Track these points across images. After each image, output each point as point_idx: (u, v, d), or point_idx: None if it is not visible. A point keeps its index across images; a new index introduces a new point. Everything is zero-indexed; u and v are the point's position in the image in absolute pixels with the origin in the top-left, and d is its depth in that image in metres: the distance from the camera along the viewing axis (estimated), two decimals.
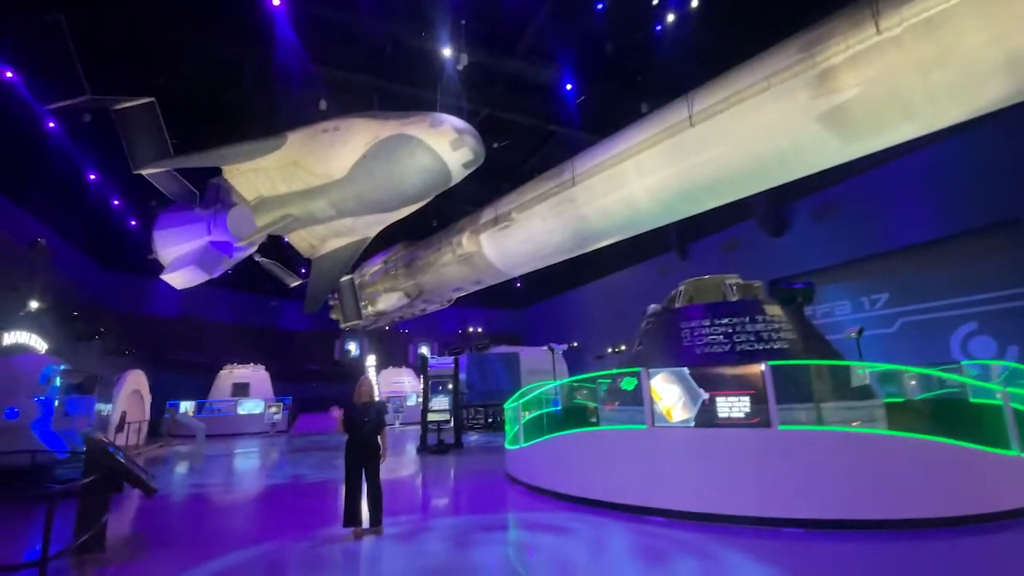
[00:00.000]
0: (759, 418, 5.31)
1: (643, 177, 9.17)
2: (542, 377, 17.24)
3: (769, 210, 17.90)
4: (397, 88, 13.78)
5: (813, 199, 17.00)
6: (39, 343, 9.90)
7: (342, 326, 17.87)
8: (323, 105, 13.13)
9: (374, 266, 18.96)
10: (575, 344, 19.26)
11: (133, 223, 20.37)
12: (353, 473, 5.65)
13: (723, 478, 5.40)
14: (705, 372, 5.99)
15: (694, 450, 5.61)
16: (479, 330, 32.65)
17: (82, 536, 4.60)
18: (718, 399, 5.64)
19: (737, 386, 5.84)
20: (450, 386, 15.38)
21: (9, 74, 11.09)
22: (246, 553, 5.07)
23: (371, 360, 25.97)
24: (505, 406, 10.07)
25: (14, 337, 9.29)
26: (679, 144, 8.24)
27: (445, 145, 8.62)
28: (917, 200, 14.43)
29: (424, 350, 29.21)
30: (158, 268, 11.76)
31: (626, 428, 6.37)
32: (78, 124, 13.76)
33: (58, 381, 9.03)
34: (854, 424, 5.62)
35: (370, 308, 18.82)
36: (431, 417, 14.67)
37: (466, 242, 13.75)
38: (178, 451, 15.82)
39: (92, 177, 16.12)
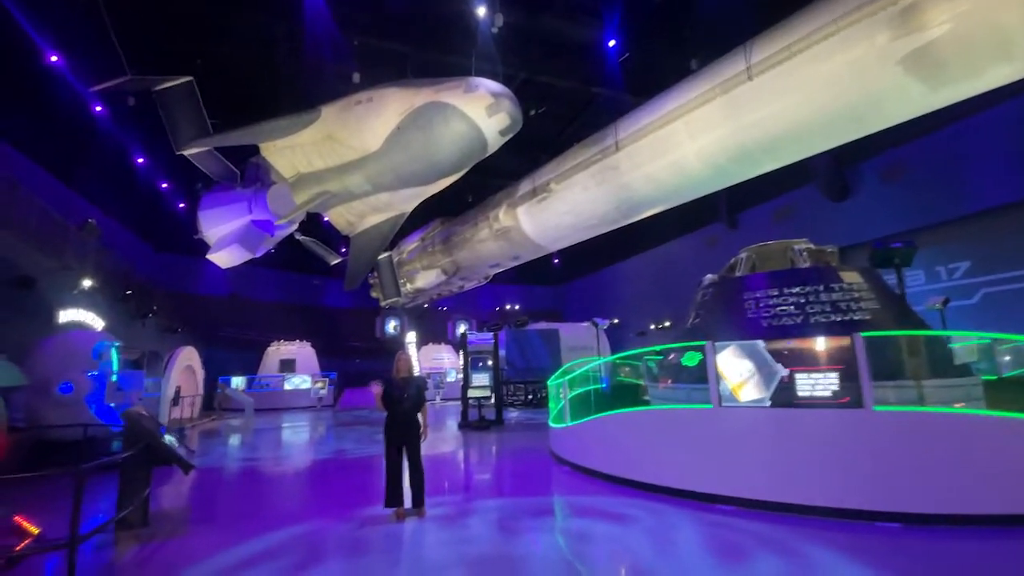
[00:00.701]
0: (849, 397, 4.71)
1: (694, 139, 8.48)
2: (583, 354, 16.76)
3: (831, 172, 16.51)
4: (430, 56, 13.30)
5: (881, 159, 15.53)
6: (95, 321, 10.27)
7: (382, 304, 17.99)
8: (356, 78, 12.84)
9: (412, 244, 18.92)
10: (616, 321, 18.63)
11: (182, 206, 21.00)
12: (393, 452, 5.45)
13: (805, 464, 4.85)
14: (775, 346, 5.38)
15: (770, 433, 5.06)
16: (516, 307, 32.37)
17: (123, 511, 4.58)
18: (798, 376, 5.04)
19: (813, 361, 5.23)
20: (490, 362, 15.21)
21: (54, 58, 11.30)
22: (286, 533, 4.96)
23: (411, 337, 26.23)
24: (548, 383, 9.73)
25: (71, 315, 9.65)
26: (735, 100, 7.49)
27: (481, 111, 8.17)
28: (1001, 157, 12.90)
29: (462, 327, 29.29)
30: (206, 248, 11.99)
31: (688, 408, 5.84)
32: (125, 109, 14.03)
33: (114, 356, 9.31)
34: (957, 405, 4.93)
35: (408, 286, 18.87)
36: (472, 393, 14.49)
37: (503, 216, 13.36)
38: (229, 424, 16.44)
39: (140, 160, 16.55)
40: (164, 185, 18.85)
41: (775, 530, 4.52)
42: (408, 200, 11.25)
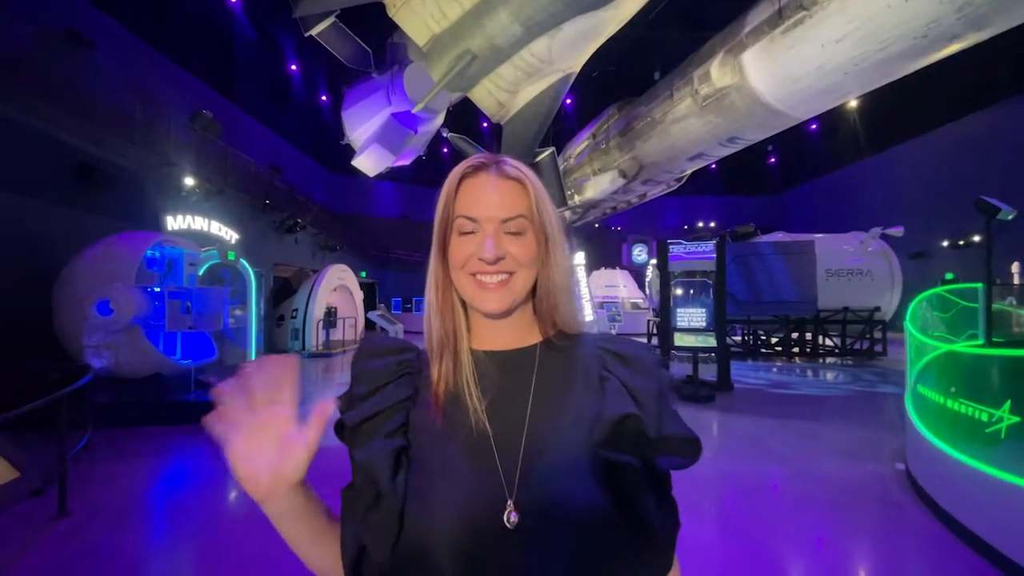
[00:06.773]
0: None
1: None
2: (854, 280, 11.26)
3: None
4: None
5: None
6: (223, 231, 9.07)
7: None
8: None
9: (580, 144, 15.68)
10: (895, 230, 12.36)
11: None
12: None
13: None
14: None
15: None
16: (712, 225, 25.95)
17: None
18: None
19: None
20: (683, 291, 9.86)
21: None
22: None
23: (579, 258, 23.12)
24: (908, 326, 5.09)
25: (183, 222, 8.23)
26: None
27: None
28: None
29: (639, 250, 25.29)
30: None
31: None
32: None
33: (249, 271, 8.05)
34: None
35: (576, 198, 15.88)
36: (682, 341, 8.81)
37: (717, 73, 9.09)
38: None
39: (294, 67, 15.88)
40: (324, 98, 18.33)
41: None
42: (573, 47, 7.91)
